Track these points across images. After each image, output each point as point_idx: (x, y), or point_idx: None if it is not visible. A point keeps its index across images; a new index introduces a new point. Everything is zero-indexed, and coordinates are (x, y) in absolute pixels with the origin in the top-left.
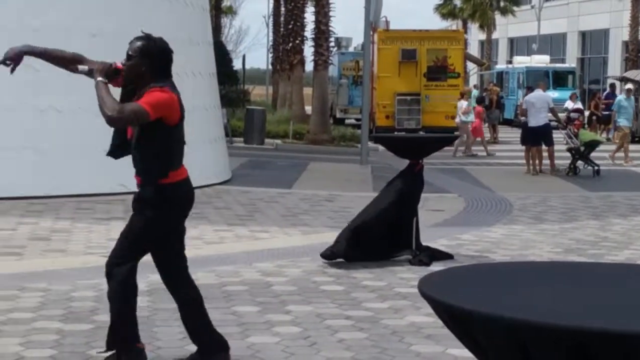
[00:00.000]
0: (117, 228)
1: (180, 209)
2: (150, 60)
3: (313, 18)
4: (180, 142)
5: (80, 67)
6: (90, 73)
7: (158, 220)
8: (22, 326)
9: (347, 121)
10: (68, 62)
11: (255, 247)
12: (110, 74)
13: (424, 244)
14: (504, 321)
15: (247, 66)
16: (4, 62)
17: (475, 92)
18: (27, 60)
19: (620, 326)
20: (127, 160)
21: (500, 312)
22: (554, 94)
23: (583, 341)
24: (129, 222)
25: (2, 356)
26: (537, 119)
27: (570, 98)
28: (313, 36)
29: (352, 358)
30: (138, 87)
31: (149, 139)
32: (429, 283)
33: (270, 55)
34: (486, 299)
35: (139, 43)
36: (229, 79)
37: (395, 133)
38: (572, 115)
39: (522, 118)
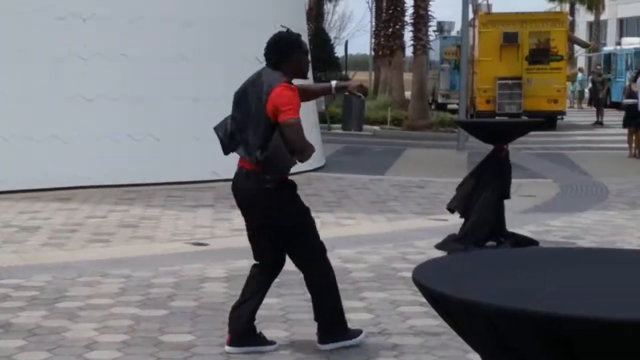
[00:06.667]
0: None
1: None
2: None
3: (412, 3)
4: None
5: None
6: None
7: None
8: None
9: (449, 106)
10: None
11: (339, 233)
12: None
13: (510, 230)
14: (476, 306)
15: (354, 52)
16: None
17: (580, 76)
18: None
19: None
20: (218, 149)
21: (474, 297)
22: None
23: (555, 328)
24: None
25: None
26: None
27: None
28: (412, 21)
29: (421, 345)
30: None
31: None
32: (424, 269)
33: (373, 40)
34: (470, 284)
35: None
36: (329, 65)
37: (496, 118)
38: None
39: (626, 100)
